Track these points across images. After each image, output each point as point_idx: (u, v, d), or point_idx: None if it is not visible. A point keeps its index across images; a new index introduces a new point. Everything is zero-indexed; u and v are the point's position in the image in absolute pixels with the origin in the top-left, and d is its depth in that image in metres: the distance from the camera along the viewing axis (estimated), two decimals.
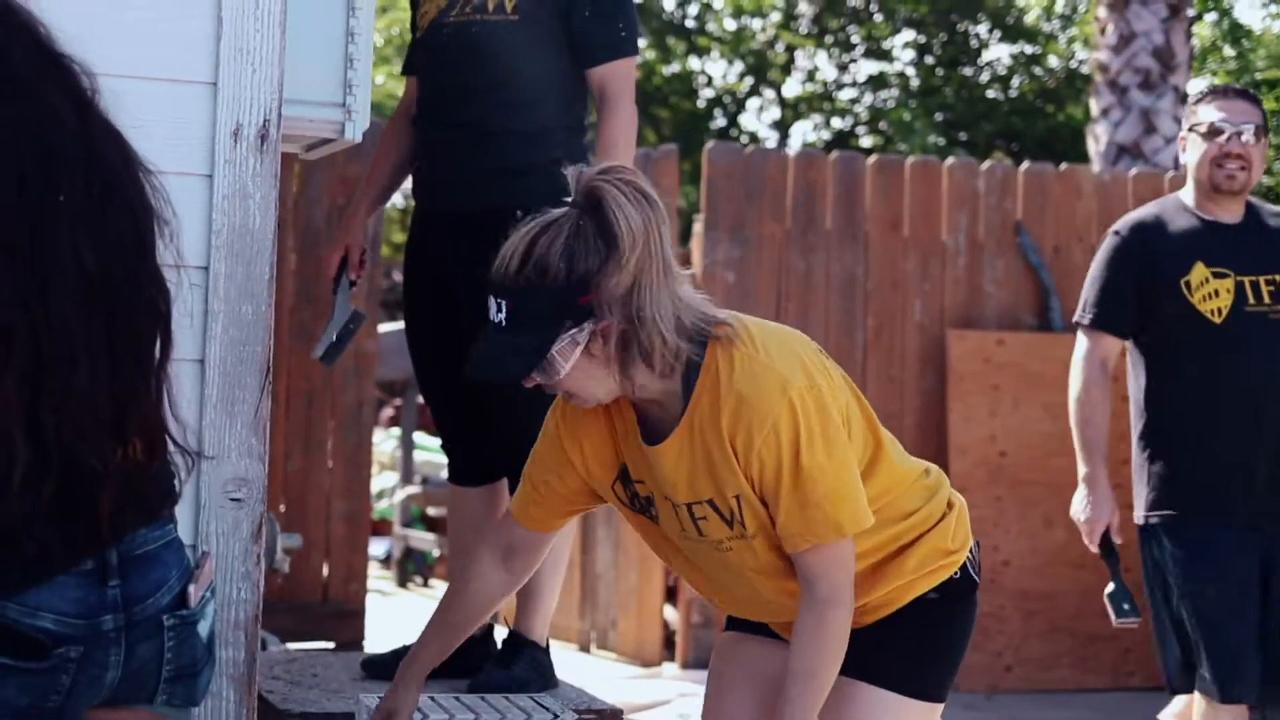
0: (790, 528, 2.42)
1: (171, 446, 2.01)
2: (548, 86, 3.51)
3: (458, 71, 3.57)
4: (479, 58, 3.52)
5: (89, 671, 1.92)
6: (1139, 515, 4.08)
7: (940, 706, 2.64)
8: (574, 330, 2.34)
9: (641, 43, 16.27)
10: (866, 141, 15.77)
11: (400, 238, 13.95)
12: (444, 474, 3.77)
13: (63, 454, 1.85)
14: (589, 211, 2.35)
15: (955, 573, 2.60)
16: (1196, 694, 3.99)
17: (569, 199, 2.38)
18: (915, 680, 2.60)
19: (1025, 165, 7.71)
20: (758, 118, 17.73)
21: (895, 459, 2.57)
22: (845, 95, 16.63)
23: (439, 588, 10.56)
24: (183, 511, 2.20)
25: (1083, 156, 10.90)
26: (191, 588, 2.01)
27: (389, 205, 7.85)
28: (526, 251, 2.35)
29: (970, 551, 2.65)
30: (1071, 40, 15.09)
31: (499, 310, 2.36)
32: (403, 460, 11.46)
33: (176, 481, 2.04)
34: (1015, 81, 15.53)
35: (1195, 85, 11.11)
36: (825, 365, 2.50)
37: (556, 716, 2.96)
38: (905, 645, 2.59)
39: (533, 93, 3.50)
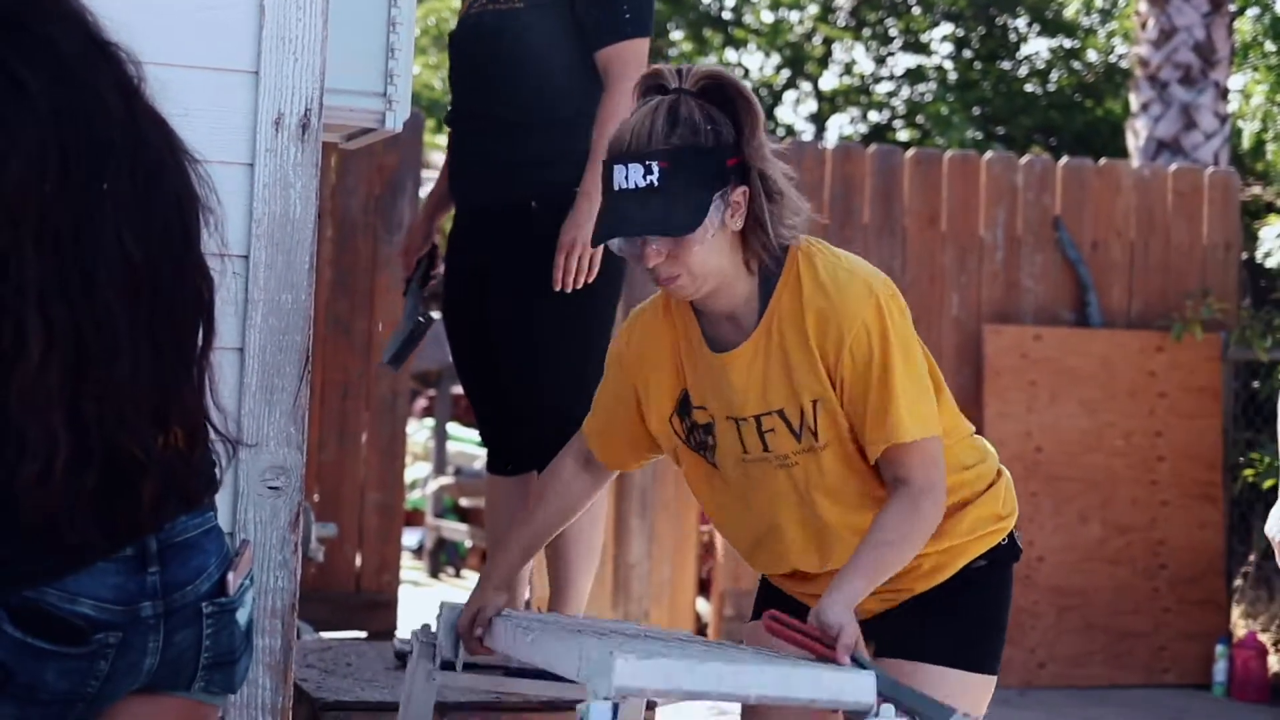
0: (875, 428, 2.43)
1: (212, 435, 2.01)
2: (559, 75, 3.50)
3: (471, 63, 3.60)
4: (488, 48, 3.54)
5: (127, 657, 1.92)
6: None
7: (994, 679, 2.62)
8: (720, 192, 2.41)
9: (678, 34, 16.23)
10: (903, 135, 15.72)
11: None
12: (477, 464, 3.80)
13: (104, 443, 1.85)
14: (703, 96, 2.43)
15: (1004, 539, 2.61)
16: None
17: (674, 86, 2.44)
18: (972, 654, 2.59)
19: (1064, 160, 7.67)
20: (794, 110, 17.67)
21: (952, 405, 2.60)
22: (882, 88, 16.57)
23: (471, 579, 10.57)
24: (221, 500, 2.20)
25: (1122, 152, 10.83)
26: (230, 575, 2.02)
27: (424, 197, 7.87)
28: (671, 116, 2.41)
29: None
30: (1111, 34, 14.99)
31: (648, 173, 2.38)
32: (436, 451, 11.48)
33: (217, 470, 2.04)
34: (1054, 76, 15.44)
35: (1236, 81, 11.03)
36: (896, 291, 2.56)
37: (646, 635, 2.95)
38: (959, 619, 2.58)
39: (543, 82, 3.49)
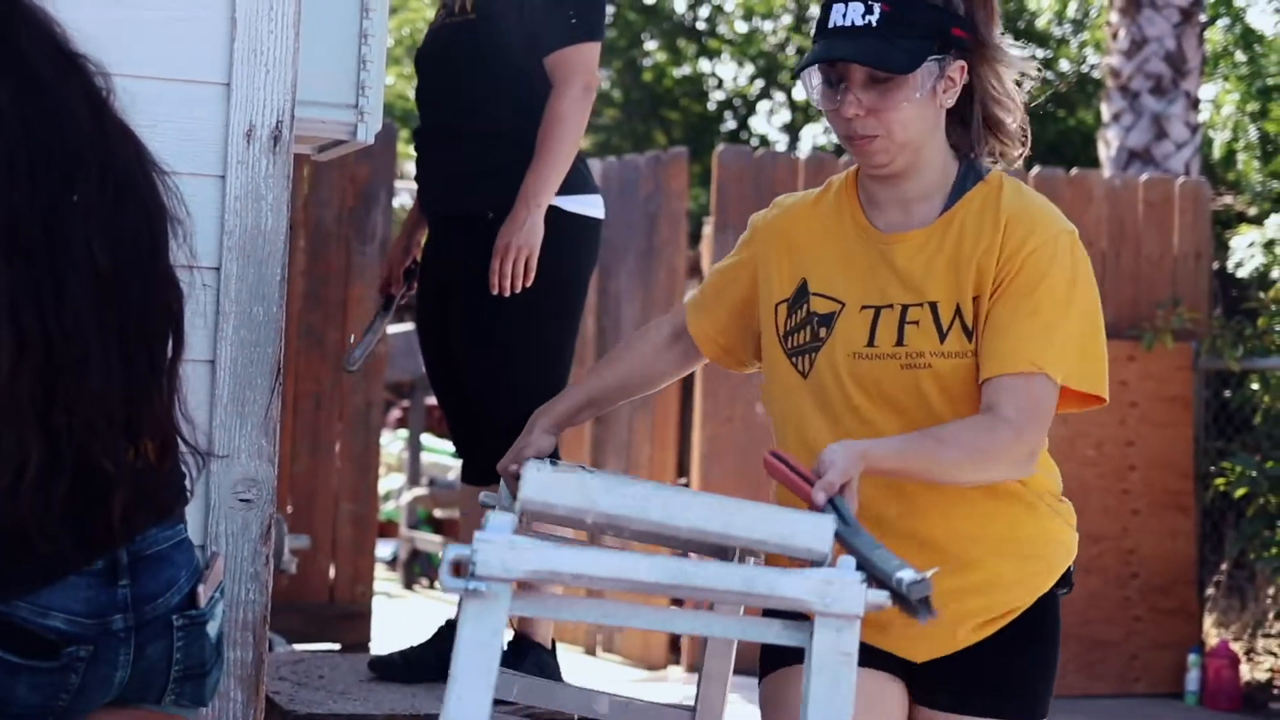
0: (1015, 342, 2.24)
1: (183, 447, 2.01)
2: (513, 83, 3.51)
3: (431, 76, 3.65)
4: (442, 60, 3.59)
5: (98, 671, 1.92)
6: None
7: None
8: (940, 58, 2.29)
9: (652, 44, 16.22)
10: None
11: None
12: (451, 475, 3.79)
13: (75, 454, 1.85)
14: None
15: (1071, 565, 2.46)
16: None
17: None
18: (1041, 702, 2.45)
19: (1036, 170, 7.70)
20: (768, 120, 17.72)
21: None
22: None
23: None
24: (192, 512, 2.20)
25: (1093, 162, 10.88)
26: (201, 588, 2.02)
27: (397, 207, 7.85)
28: None
29: None
30: (1083, 45, 15.07)
31: (868, 12, 2.26)
32: (409, 462, 11.46)
33: (188, 481, 2.04)
34: (1026, 86, 15.52)
35: (1207, 91, 11.09)
36: None
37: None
38: (1035, 669, 2.44)
39: (496, 90, 3.51)
